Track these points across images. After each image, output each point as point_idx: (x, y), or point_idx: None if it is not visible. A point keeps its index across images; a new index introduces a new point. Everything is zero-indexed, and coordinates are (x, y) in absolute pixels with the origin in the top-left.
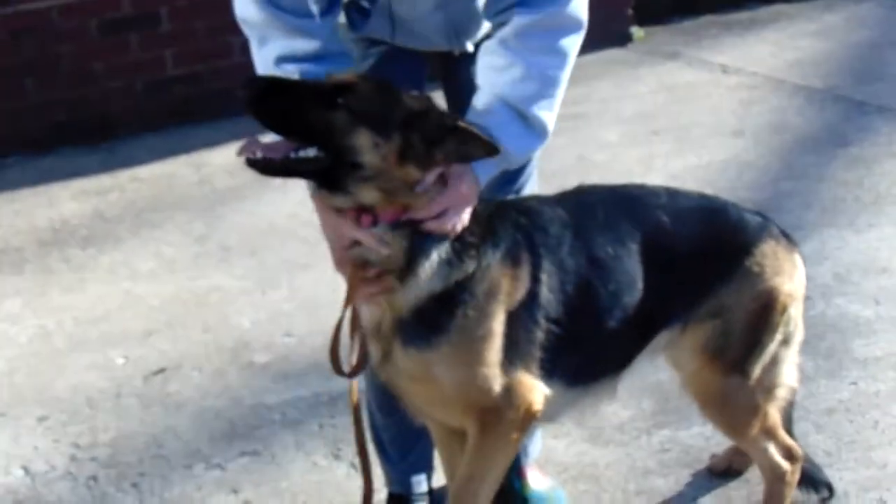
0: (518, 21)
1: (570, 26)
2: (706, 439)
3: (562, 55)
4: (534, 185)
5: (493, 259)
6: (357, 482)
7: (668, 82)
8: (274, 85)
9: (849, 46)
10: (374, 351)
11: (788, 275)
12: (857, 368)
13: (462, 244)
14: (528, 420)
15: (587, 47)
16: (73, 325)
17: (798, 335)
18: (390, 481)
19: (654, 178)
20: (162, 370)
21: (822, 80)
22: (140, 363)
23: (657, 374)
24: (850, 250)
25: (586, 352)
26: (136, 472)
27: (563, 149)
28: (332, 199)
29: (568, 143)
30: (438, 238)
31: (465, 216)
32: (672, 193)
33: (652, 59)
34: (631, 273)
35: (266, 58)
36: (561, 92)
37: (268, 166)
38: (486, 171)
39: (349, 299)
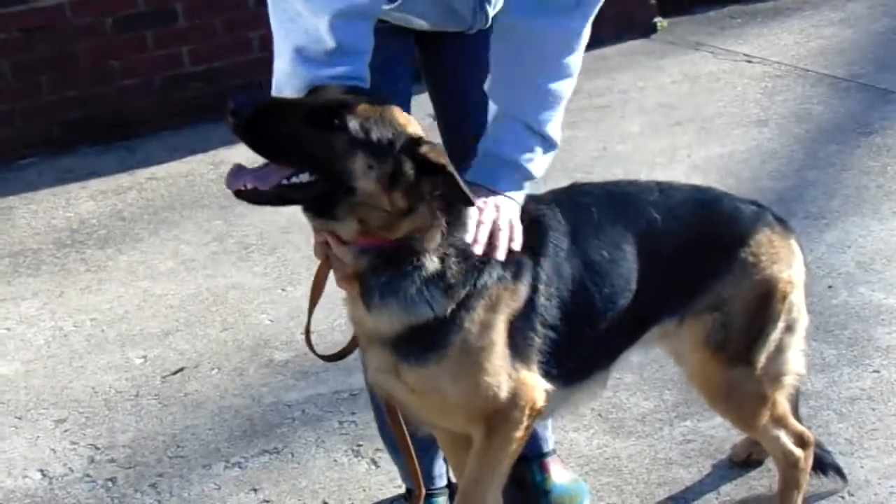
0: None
1: (581, 43)
2: (727, 430)
3: (573, 74)
4: None
5: (489, 278)
6: (377, 478)
7: (691, 73)
8: (263, 108)
9: (872, 34)
10: (372, 360)
11: (786, 262)
12: (879, 356)
13: (447, 285)
14: (532, 418)
15: (611, 38)
16: (92, 326)
17: (802, 321)
18: (406, 475)
19: (677, 168)
20: (181, 369)
21: (845, 68)
22: (159, 363)
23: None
24: (874, 238)
25: (581, 352)
26: (154, 473)
27: (586, 140)
28: (316, 222)
29: (591, 135)
30: (411, 275)
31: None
32: (664, 189)
33: (675, 50)
34: (626, 274)
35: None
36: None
37: (260, 197)
38: (510, 187)
39: (315, 285)
